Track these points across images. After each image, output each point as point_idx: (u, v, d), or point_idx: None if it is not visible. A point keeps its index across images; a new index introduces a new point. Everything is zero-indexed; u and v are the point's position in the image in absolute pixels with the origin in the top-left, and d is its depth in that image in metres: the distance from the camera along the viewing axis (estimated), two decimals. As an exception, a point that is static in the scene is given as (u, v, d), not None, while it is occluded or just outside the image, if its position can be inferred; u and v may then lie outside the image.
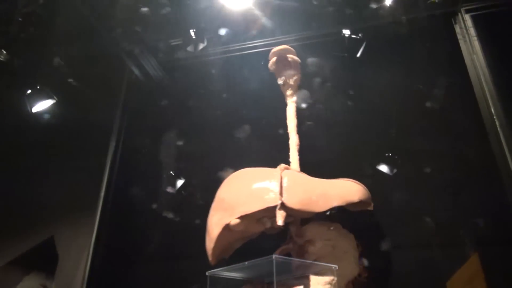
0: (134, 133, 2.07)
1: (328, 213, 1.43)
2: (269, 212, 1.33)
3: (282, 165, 1.43)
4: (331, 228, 1.43)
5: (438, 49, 1.84)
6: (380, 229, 1.58)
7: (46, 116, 2.10)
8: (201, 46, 1.99)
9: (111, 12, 2.06)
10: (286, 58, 1.78)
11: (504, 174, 1.49)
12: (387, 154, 1.70)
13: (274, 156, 1.68)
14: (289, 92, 1.81)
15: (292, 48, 1.80)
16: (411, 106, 1.78)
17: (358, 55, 1.77)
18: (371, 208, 1.51)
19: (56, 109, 2.06)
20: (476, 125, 1.62)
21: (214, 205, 1.45)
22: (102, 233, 1.78)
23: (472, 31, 1.76)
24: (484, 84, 1.64)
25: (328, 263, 1.36)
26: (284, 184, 1.34)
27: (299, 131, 1.75)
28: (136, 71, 2.11)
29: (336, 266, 1.27)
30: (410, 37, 1.88)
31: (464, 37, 1.76)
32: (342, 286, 1.34)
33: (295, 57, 1.79)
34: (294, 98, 1.80)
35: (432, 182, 1.61)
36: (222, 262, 1.59)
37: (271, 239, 1.54)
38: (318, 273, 1.35)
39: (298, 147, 1.68)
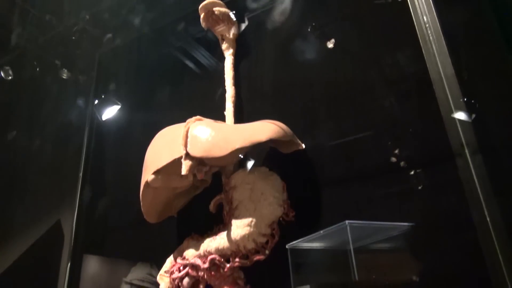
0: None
1: (241, 156, 1.42)
2: (181, 164, 1.36)
3: (194, 118, 1.43)
4: (249, 171, 1.41)
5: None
6: (312, 168, 1.51)
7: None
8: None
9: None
10: (214, 12, 1.76)
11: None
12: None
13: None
14: (224, 46, 1.79)
15: (218, 0, 1.77)
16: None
17: None
18: (301, 147, 1.46)
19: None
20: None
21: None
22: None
23: None
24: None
25: (246, 206, 1.36)
26: (189, 135, 1.35)
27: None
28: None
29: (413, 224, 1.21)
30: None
31: None
32: (263, 226, 1.32)
33: (223, 9, 1.76)
34: (231, 51, 1.78)
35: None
36: (172, 220, 1.67)
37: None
38: (237, 217, 1.36)
39: (233, 98, 1.68)
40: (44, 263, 2.16)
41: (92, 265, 1.98)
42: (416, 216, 1.26)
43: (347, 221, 1.12)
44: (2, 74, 2.59)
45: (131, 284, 1.76)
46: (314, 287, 1.24)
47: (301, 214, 1.40)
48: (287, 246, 1.33)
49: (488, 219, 1.13)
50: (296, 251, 1.32)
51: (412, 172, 1.31)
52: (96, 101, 2.28)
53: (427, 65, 1.37)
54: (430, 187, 1.28)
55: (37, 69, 2.65)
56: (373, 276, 1.21)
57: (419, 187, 1.28)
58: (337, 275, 1.30)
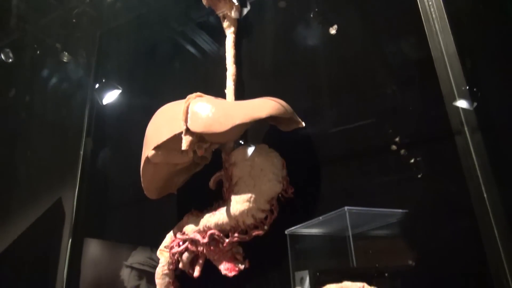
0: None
1: (241, 137, 1.42)
2: (181, 140, 1.36)
3: (194, 94, 1.43)
4: (250, 148, 1.42)
5: None
6: (312, 146, 1.51)
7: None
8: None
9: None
10: (216, -11, 1.74)
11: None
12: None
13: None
14: (225, 24, 1.78)
15: (220, -22, 1.75)
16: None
17: None
18: (301, 125, 1.46)
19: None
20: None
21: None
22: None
23: None
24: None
25: (245, 182, 1.37)
26: (190, 111, 1.36)
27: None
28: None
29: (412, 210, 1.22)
30: None
31: None
32: (262, 202, 1.33)
33: (224, -13, 1.75)
34: (232, 29, 1.77)
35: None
36: (172, 197, 1.68)
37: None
38: (237, 193, 1.37)
39: (234, 77, 1.68)
40: (45, 243, 2.17)
41: (93, 248, 1.99)
42: (415, 203, 1.26)
43: (346, 207, 1.15)
44: (2, 57, 2.58)
45: (132, 267, 1.78)
46: (312, 272, 1.25)
47: (300, 200, 1.41)
48: (286, 232, 1.35)
49: (487, 205, 1.13)
50: (295, 237, 1.35)
51: (412, 159, 1.30)
52: (97, 81, 2.28)
53: (429, 44, 1.37)
54: (430, 173, 1.27)
55: (38, 52, 2.64)
56: (374, 263, 1.22)
57: (419, 173, 1.28)
58: (335, 261, 1.32)
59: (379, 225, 1.27)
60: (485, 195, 1.14)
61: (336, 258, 1.32)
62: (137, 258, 1.79)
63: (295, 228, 1.34)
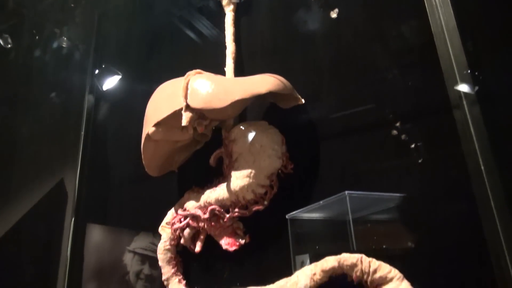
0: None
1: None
2: (181, 116, 1.37)
3: (194, 71, 1.44)
4: (249, 125, 1.42)
5: None
6: (311, 123, 1.52)
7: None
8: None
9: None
10: (214, -33, 1.73)
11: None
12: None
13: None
14: (225, 1, 1.77)
15: (218, -45, 1.74)
16: None
17: None
18: (301, 102, 1.46)
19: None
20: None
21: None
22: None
23: None
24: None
25: (245, 158, 1.38)
26: (189, 87, 1.36)
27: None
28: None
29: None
30: None
31: None
32: (262, 177, 1.34)
33: (223, -36, 1.73)
34: (231, 7, 1.76)
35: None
36: (172, 175, 1.69)
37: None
38: (237, 169, 1.38)
39: (233, 55, 1.67)
40: (47, 225, 2.19)
41: (96, 233, 2.01)
42: (415, 187, 1.25)
43: (346, 192, 1.15)
44: (1, 42, 2.57)
45: (134, 252, 1.81)
46: (313, 256, 1.27)
47: (300, 184, 1.41)
48: (287, 216, 1.36)
49: (488, 189, 1.13)
50: (296, 221, 1.36)
51: (413, 143, 1.29)
52: (96, 65, 2.28)
53: (429, 18, 1.36)
54: (430, 156, 1.26)
55: (37, 37, 2.64)
56: (374, 247, 1.23)
57: (419, 158, 1.26)
58: (336, 245, 1.31)
59: (379, 209, 1.28)
60: (485, 179, 1.14)
61: (336, 242, 1.32)
62: (139, 243, 1.81)
63: (295, 213, 1.35)
